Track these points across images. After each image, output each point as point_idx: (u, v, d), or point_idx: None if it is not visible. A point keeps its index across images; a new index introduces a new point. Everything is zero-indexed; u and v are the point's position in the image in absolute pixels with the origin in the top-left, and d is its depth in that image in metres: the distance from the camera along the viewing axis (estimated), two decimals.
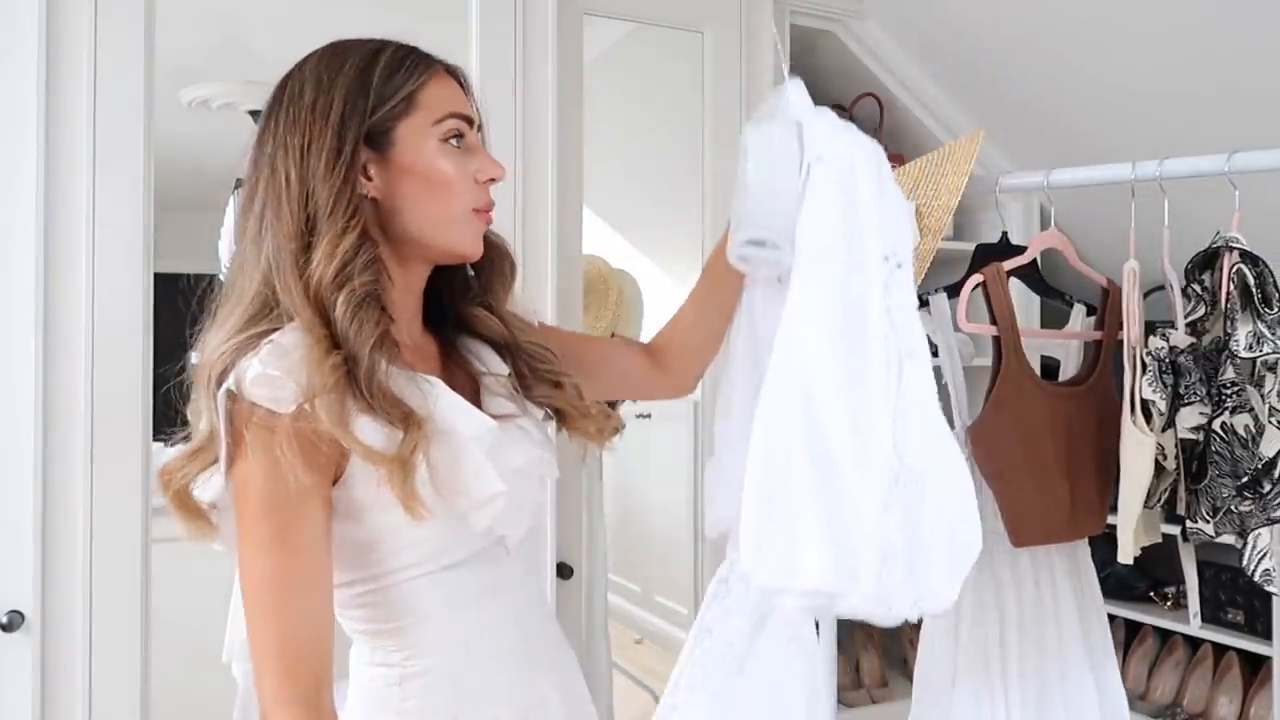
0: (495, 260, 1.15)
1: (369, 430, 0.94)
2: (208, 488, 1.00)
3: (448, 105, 1.06)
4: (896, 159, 2.50)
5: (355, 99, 1.02)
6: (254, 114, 2.18)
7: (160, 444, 1.95)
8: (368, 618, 1.04)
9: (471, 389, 1.11)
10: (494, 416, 1.05)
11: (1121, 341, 1.50)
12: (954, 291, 1.54)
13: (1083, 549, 1.62)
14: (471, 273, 1.15)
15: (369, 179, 1.03)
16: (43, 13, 1.60)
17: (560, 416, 1.15)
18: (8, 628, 1.56)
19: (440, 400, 1.01)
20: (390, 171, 1.03)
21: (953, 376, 1.51)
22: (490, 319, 1.14)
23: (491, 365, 1.12)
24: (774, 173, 1.16)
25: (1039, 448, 1.49)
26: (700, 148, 2.26)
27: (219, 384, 0.95)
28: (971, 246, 2.56)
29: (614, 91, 2.41)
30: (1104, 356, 1.57)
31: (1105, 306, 1.57)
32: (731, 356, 1.31)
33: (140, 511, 1.66)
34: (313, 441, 0.93)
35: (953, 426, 1.51)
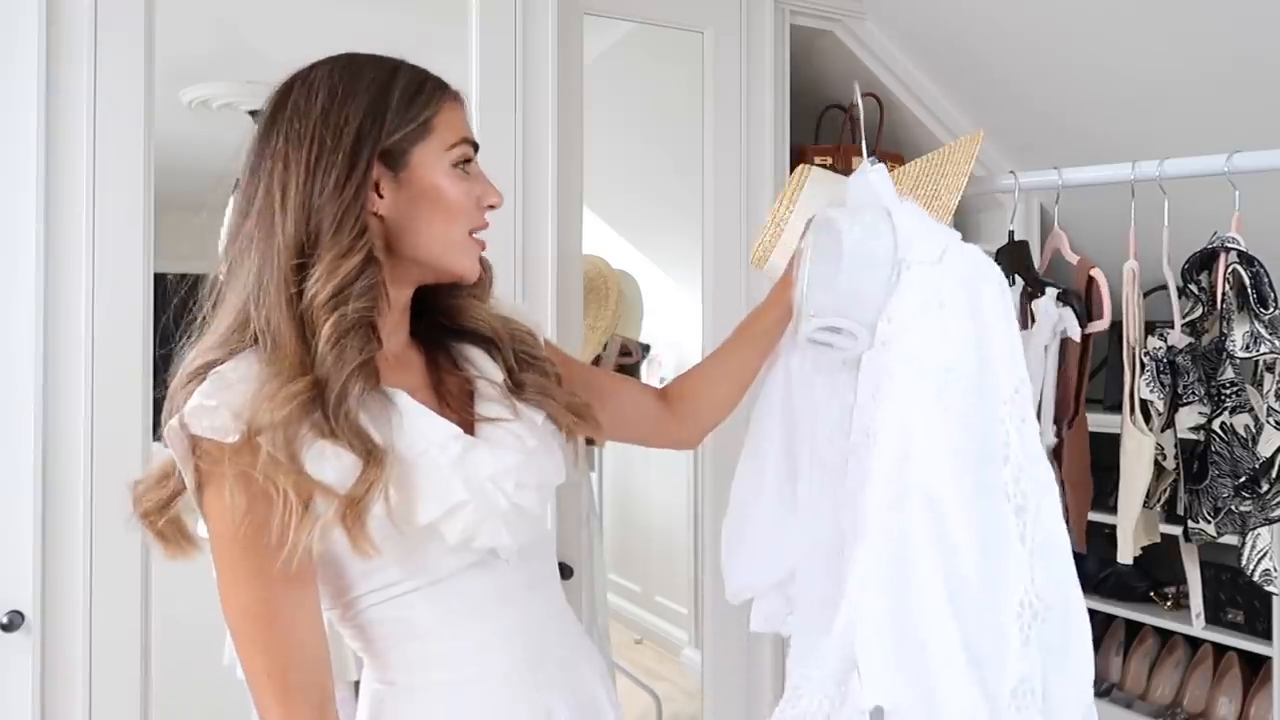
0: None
1: (328, 459, 0.92)
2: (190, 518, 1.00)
3: (459, 131, 1.06)
4: (896, 159, 2.51)
5: (373, 117, 1.00)
6: (254, 114, 2.17)
7: (160, 444, 1.96)
8: (358, 636, 1.04)
9: (464, 394, 1.10)
10: (486, 420, 1.06)
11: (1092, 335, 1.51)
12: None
13: None
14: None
15: (380, 196, 1.02)
16: (43, 13, 1.60)
17: (553, 416, 1.12)
18: (8, 628, 1.56)
19: (405, 415, 1.00)
20: (402, 192, 1.03)
21: (1044, 383, 1.52)
22: (479, 306, 1.13)
23: (485, 369, 1.11)
24: (869, 266, 1.14)
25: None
26: (700, 148, 2.26)
27: (173, 414, 0.95)
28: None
29: (614, 91, 2.41)
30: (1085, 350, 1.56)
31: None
32: (762, 418, 1.31)
33: None
34: (267, 474, 0.90)
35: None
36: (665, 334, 2.65)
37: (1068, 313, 1.52)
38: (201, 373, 0.95)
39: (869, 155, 1.30)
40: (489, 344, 1.13)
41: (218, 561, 0.95)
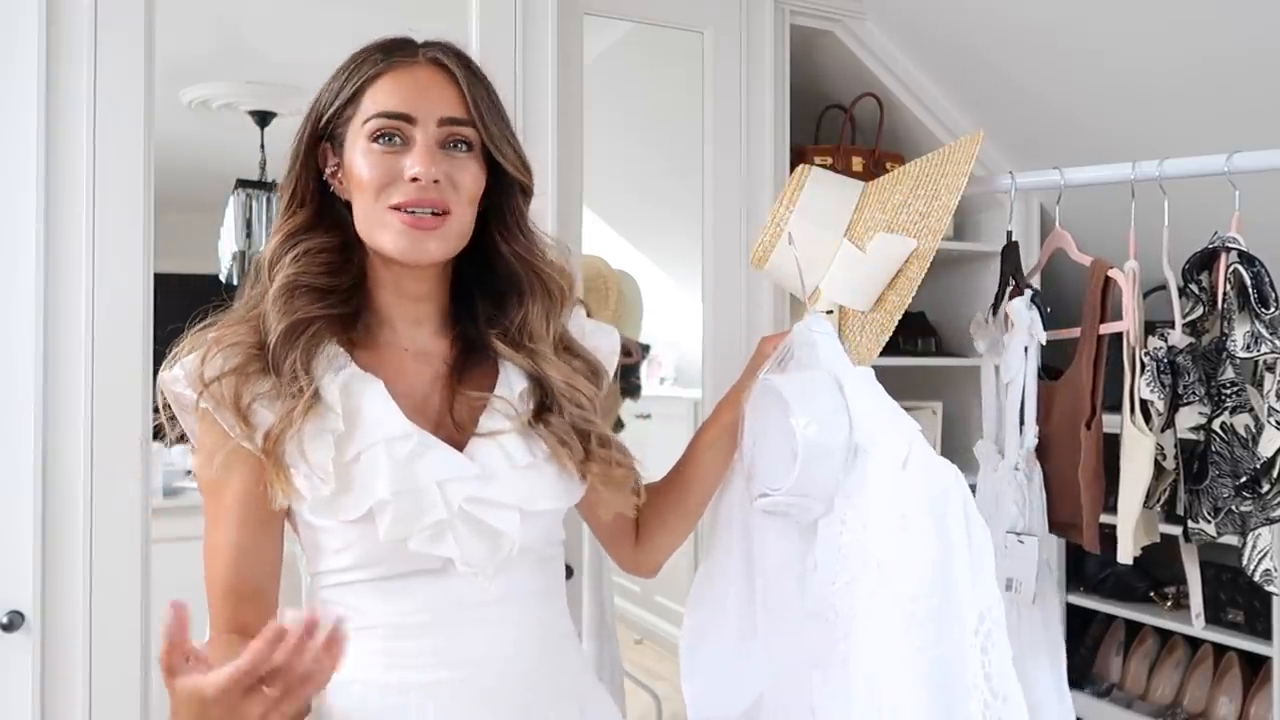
0: (533, 279, 1.12)
1: (273, 410, 1.00)
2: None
3: (381, 104, 1.03)
4: (896, 159, 2.51)
5: (320, 101, 1.07)
6: (254, 114, 2.18)
7: (160, 444, 1.95)
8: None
9: (478, 405, 1.08)
10: (479, 435, 1.05)
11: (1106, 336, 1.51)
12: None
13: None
14: (515, 290, 1.12)
15: (340, 182, 1.08)
16: (43, 13, 1.60)
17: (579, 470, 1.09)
18: (8, 628, 1.56)
19: (370, 405, 1.02)
20: (342, 171, 1.07)
21: (1026, 383, 1.53)
22: (506, 350, 1.10)
23: (515, 386, 1.10)
24: (824, 458, 1.13)
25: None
26: (700, 148, 2.26)
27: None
28: (971, 246, 2.59)
29: (614, 91, 2.41)
30: (1079, 347, 1.56)
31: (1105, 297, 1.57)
32: (718, 548, 1.34)
33: (140, 511, 1.66)
34: (220, 418, 1.01)
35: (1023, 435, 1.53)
36: (665, 334, 2.65)
37: (1035, 315, 1.53)
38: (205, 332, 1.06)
39: (812, 301, 1.30)
40: (530, 375, 1.10)
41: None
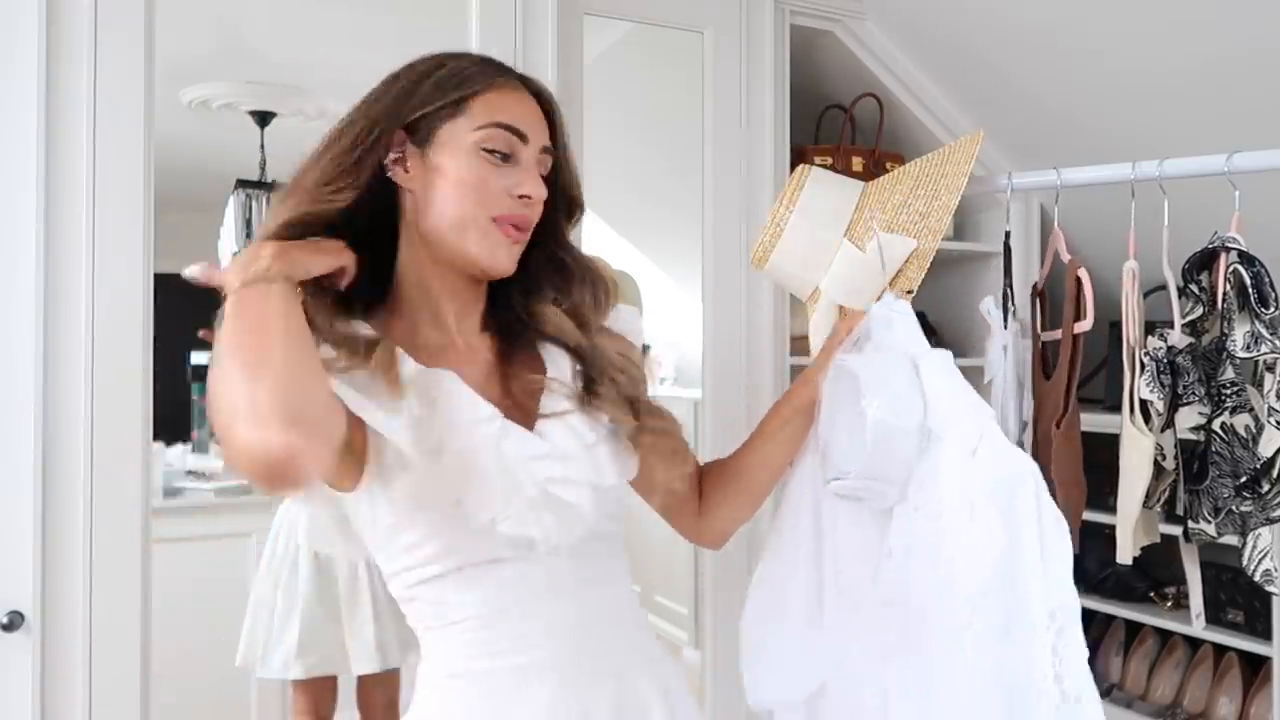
0: (584, 280, 1.16)
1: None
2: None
3: (498, 115, 1.07)
4: (896, 159, 2.51)
5: (404, 95, 1.06)
6: (254, 114, 2.18)
7: (160, 444, 1.96)
8: (416, 614, 1.07)
9: (534, 389, 1.11)
10: (545, 416, 1.08)
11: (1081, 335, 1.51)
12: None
13: None
14: (563, 287, 1.16)
15: (406, 171, 1.07)
16: (43, 13, 1.60)
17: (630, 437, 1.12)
18: (8, 628, 1.56)
19: (448, 394, 1.03)
20: (425, 168, 1.06)
21: (1006, 381, 1.53)
22: (562, 321, 1.14)
23: (561, 368, 1.13)
24: (897, 438, 1.11)
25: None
26: (700, 148, 2.26)
27: None
28: (970, 246, 2.59)
29: (614, 91, 2.41)
30: (1063, 347, 1.56)
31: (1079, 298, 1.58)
32: (786, 530, 1.30)
33: (140, 511, 1.66)
34: None
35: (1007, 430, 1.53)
36: (665, 334, 2.65)
37: (997, 314, 1.56)
38: None
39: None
40: (572, 351, 1.14)
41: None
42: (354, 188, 1.03)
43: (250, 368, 0.84)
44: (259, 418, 0.81)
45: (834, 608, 1.25)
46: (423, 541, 1.02)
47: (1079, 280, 1.51)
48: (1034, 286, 1.67)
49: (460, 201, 1.06)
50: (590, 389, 1.11)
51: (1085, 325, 1.50)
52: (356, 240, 1.05)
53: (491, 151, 1.06)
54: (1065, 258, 1.57)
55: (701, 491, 1.29)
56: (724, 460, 1.32)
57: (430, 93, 1.06)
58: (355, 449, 1.00)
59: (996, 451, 1.08)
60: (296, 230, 1.00)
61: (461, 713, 1.05)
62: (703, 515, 1.30)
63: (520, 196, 1.07)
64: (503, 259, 1.08)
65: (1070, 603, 1.05)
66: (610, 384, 1.12)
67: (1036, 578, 1.04)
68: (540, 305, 1.15)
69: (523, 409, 1.09)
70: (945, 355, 1.17)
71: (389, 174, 1.07)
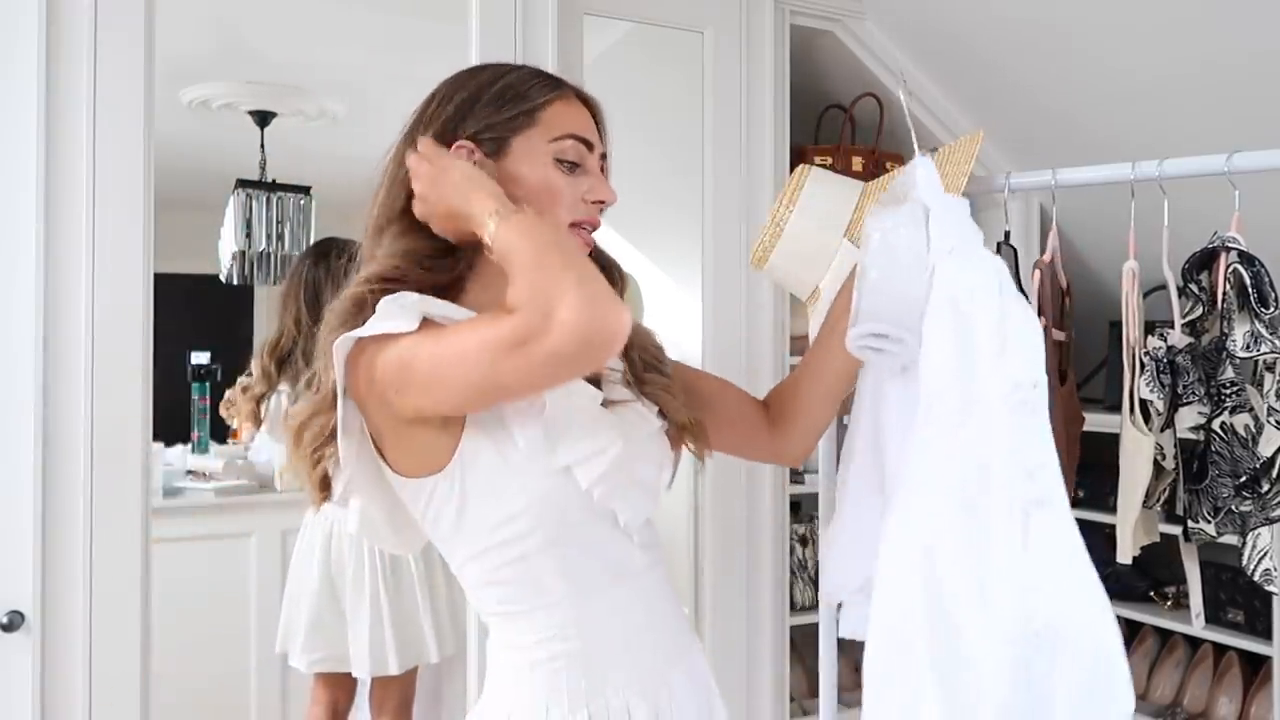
0: (607, 268, 1.19)
1: None
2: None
3: (568, 126, 1.12)
4: (896, 159, 2.51)
5: (469, 106, 1.10)
6: (254, 114, 2.18)
7: (160, 444, 1.96)
8: (500, 598, 1.08)
9: (596, 380, 1.14)
10: (613, 401, 1.12)
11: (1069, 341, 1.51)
12: None
13: None
14: None
15: None
16: (43, 13, 1.60)
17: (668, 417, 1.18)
18: (8, 628, 1.56)
19: None
20: (501, 178, 1.08)
21: None
22: None
23: (614, 361, 1.17)
24: (896, 267, 1.12)
25: (1061, 454, 1.48)
26: (700, 148, 2.26)
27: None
28: None
29: (614, 91, 2.40)
30: (1069, 357, 1.56)
31: (1063, 308, 1.58)
32: (853, 432, 1.29)
33: (140, 511, 1.66)
34: None
35: None
36: (665, 334, 2.64)
37: None
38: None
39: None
40: None
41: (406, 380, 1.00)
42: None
43: (577, 266, 0.94)
44: (603, 298, 0.92)
45: (888, 490, 1.24)
46: (521, 512, 1.04)
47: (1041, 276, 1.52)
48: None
49: (545, 211, 1.08)
50: (639, 379, 1.17)
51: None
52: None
53: (563, 161, 1.11)
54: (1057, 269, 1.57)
55: (785, 408, 1.32)
56: (786, 381, 1.36)
57: (497, 105, 1.10)
58: (451, 426, 1.03)
59: (970, 254, 1.09)
60: (406, 241, 1.07)
61: (565, 692, 1.07)
62: (781, 432, 1.33)
63: (595, 202, 1.13)
64: None
65: (1035, 379, 1.04)
66: (650, 374, 1.18)
67: (991, 358, 1.04)
68: None
69: None
70: (961, 203, 1.17)
71: None
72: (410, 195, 1.07)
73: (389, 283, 1.04)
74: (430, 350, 0.97)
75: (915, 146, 1.27)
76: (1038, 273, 1.50)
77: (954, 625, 1.02)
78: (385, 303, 1.01)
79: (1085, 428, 1.60)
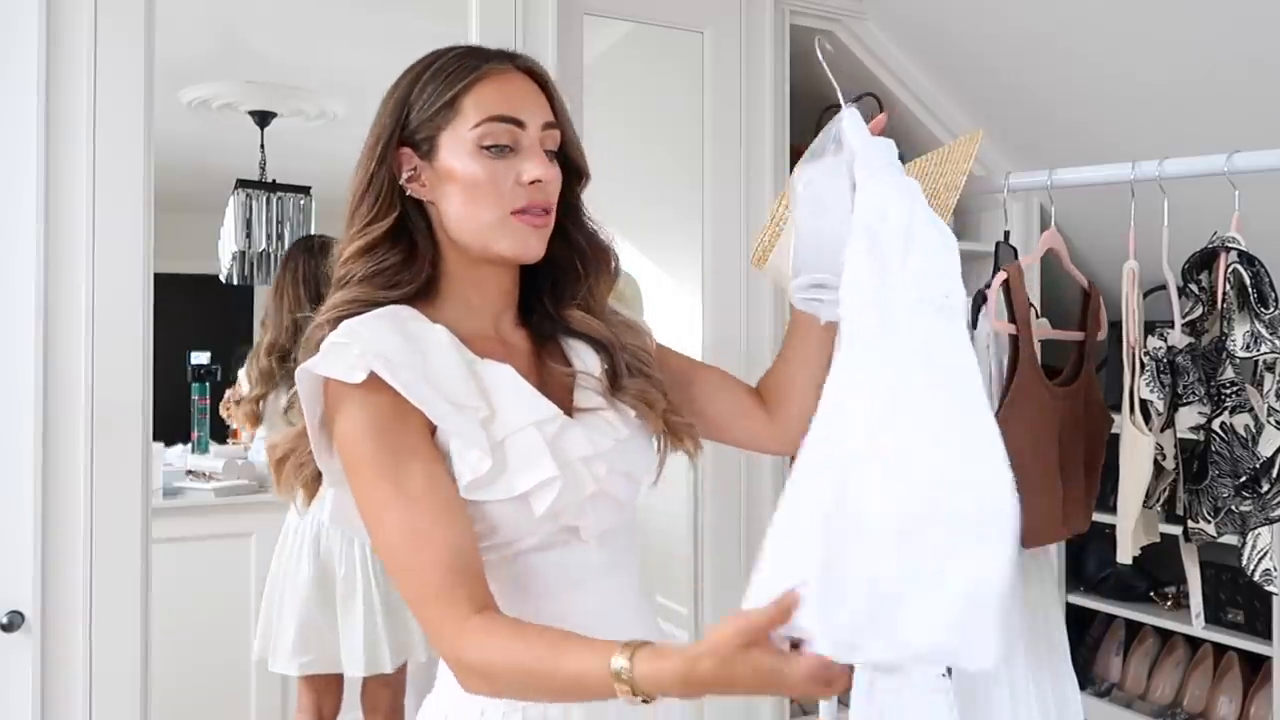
0: (595, 258, 1.17)
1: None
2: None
3: (488, 108, 1.05)
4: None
5: (401, 108, 1.07)
6: (254, 114, 2.18)
7: (160, 444, 1.96)
8: None
9: (565, 385, 1.12)
10: (580, 410, 1.09)
11: (1099, 340, 1.51)
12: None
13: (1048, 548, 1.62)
14: (581, 269, 1.16)
15: (423, 185, 1.07)
16: (43, 13, 1.60)
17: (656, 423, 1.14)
18: (8, 628, 1.56)
19: (504, 386, 1.04)
20: (437, 178, 1.06)
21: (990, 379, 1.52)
22: (589, 320, 1.15)
23: (588, 363, 1.14)
24: (822, 212, 1.11)
25: (1043, 447, 1.48)
26: (700, 148, 2.26)
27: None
28: (970, 246, 2.59)
29: (614, 92, 2.41)
30: (1087, 356, 1.56)
31: (1086, 308, 1.57)
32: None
33: (140, 512, 1.66)
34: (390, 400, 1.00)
35: None
36: (665, 334, 2.64)
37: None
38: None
39: (843, 102, 1.26)
40: (599, 345, 1.15)
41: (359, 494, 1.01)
42: (388, 214, 1.06)
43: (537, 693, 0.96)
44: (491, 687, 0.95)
45: None
46: (483, 534, 1.03)
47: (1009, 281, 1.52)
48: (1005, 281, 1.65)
49: (475, 205, 1.05)
50: (616, 383, 1.13)
51: (1010, 328, 1.50)
52: (411, 239, 1.08)
53: (491, 148, 1.05)
54: (1071, 270, 1.57)
55: (776, 387, 1.28)
56: (771, 369, 1.31)
57: (422, 101, 1.06)
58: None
59: (885, 180, 1.07)
60: (367, 264, 1.06)
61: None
62: (782, 414, 1.28)
63: (531, 183, 1.05)
64: (534, 247, 1.08)
65: (946, 283, 0.98)
66: (633, 375, 1.14)
67: (897, 269, 0.99)
68: (567, 308, 1.16)
69: (560, 404, 1.11)
70: (887, 143, 1.13)
71: (409, 193, 1.08)
72: (380, 204, 1.07)
73: (359, 305, 1.04)
74: (380, 515, 0.98)
75: (840, 100, 1.27)
76: (1003, 274, 1.50)
77: (859, 511, 0.97)
78: (332, 346, 1.00)
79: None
